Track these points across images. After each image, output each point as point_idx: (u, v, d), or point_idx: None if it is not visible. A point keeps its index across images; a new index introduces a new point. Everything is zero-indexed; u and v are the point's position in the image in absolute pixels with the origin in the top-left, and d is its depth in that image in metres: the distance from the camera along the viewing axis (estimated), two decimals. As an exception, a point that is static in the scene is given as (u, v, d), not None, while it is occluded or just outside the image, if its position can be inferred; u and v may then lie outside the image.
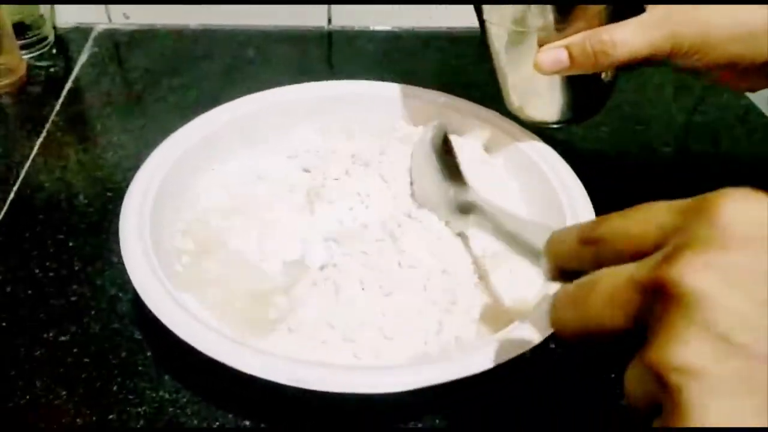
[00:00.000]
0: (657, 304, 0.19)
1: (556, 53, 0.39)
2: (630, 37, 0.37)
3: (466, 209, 0.39)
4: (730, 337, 0.18)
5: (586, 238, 0.24)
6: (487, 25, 0.42)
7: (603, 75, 0.43)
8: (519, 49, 0.42)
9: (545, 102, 0.44)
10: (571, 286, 0.24)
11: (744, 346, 0.18)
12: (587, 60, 0.39)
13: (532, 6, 0.39)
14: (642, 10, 0.38)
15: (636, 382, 0.20)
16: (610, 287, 0.22)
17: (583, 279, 0.23)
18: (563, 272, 0.26)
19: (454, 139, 0.46)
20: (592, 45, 0.38)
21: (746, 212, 0.19)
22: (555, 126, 0.46)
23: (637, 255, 0.22)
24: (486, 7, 0.42)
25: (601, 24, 0.39)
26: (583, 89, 0.44)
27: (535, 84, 0.43)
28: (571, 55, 0.39)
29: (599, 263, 0.23)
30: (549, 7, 0.39)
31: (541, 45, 0.40)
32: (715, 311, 0.18)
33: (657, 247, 0.21)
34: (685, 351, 0.18)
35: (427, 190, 0.42)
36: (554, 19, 0.39)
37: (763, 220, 0.19)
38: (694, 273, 0.18)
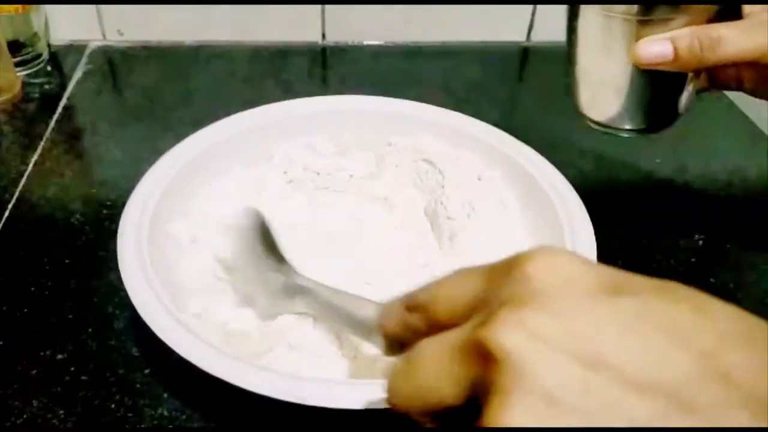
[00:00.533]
0: (484, 368, 0.19)
1: (660, 45, 0.37)
2: (738, 37, 0.36)
3: (291, 292, 0.37)
4: (557, 395, 0.17)
5: (411, 305, 0.24)
6: (579, 8, 0.39)
7: (691, 84, 0.41)
8: (609, 39, 0.39)
9: (621, 104, 0.41)
10: (401, 359, 0.23)
11: (571, 401, 0.17)
12: (692, 56, 0.37)
13: None
14: (740, 16, 0.37)
15: None
16: (435, 355, 0.21)
17: (410, 352, 0.22)
18: (399, 345, 0.25)
19: (448, 156, 0.46)
20: (700, 40, 0.36)
21: (550, 267, 0.20)
22: (623, 134, 0.43)
23: (454, 322, 0.21)
24: None
25: (704, 22, 0.37)
26: (667, 95, 0.41)
27: (615, 82, 0.40)
28: (675, 49, 0.37)
29: (427, 330, 0.23)
30: None
31: (638, 37, 0.38)
32: (536, 372, 0.17)
33: (473, 311, 0.21)
34: (517, 417, 0.17)
35: (250, 281, 0.40)
36: (658, 10, 0.37)
37: (565, 273, 0.19)
38: (508, 333, 0.18)
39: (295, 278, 0.37)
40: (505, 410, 0.17)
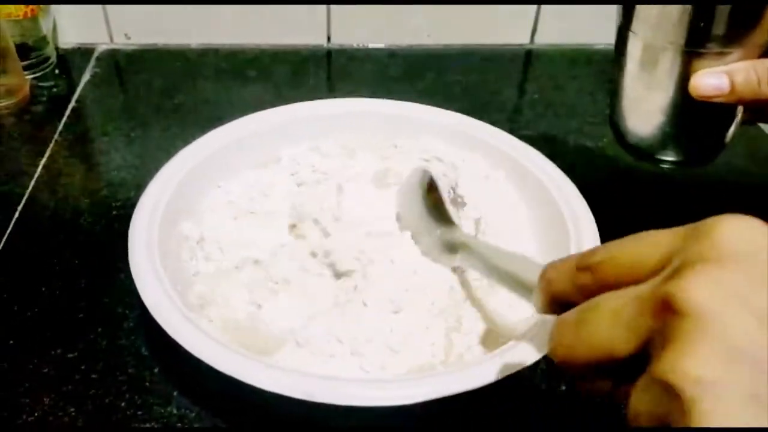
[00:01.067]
0: (665, 320, 0.20)
1: (717, 78, 0.37)
2: None
3: (454, 248, 0.39)
4: (740, 349, 0.18)
5: (584, 265, 0.24)
6: (629, 35, 0.39)
7: (738, 116, 0.40)
8: (658, 69, 0.39)
9: (666, 134, 0.41)
10: (572, 312, 0.24)
11: (753, 358, 0.18)
12: (749, 90, 0.36)
13: (694, 23, 0.36)
14: None
15: (643, 399, 0.20)
16: (615, 307, 0.22)
17: (586, 303, 0.23)
18: (556, 304, 0.26)
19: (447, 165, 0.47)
20: (758, 74, 0.36)
21: (741, 231, 0.20)
22: (665, 165, 0.42)
23: (637, 279, 0.22)
24: (636, 13, 0.38)
25: (756, 56, 0.37)
26: (714, 127, 0.41)
27: (662, 112, 0.40)
28: (732, 83, 0.37)
29: (597, 289, 0.23)
30: (711, 28, 0.36)
31: (690, 69, 0.37)
32: (725, 326, 0.18)
33: (656, 271, 0.21)
34: (698, 363, 0.18)
35: (415, 232, 0.41)
36: (713, 43, 0.36)
37: (755, 238, 0.20)
38: (700, 288, 0.19)
39: (458, 235, 0.38)
40: (686, 357, 0.18)
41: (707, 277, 0.19)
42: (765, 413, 0.18)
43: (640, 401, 0.20)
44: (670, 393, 0.19)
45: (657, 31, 0.38)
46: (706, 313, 0.18)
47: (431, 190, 0.41)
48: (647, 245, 0.22)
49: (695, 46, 0.37)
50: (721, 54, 0.37)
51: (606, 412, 0.39)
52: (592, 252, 0.24)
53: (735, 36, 0.36)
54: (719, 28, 0.36)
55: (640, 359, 0.21)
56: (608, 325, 0.22)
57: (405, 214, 0.42)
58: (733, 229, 0.20)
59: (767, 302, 0.19)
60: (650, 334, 0.20)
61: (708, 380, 0.18)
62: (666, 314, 0.19)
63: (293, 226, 0.43)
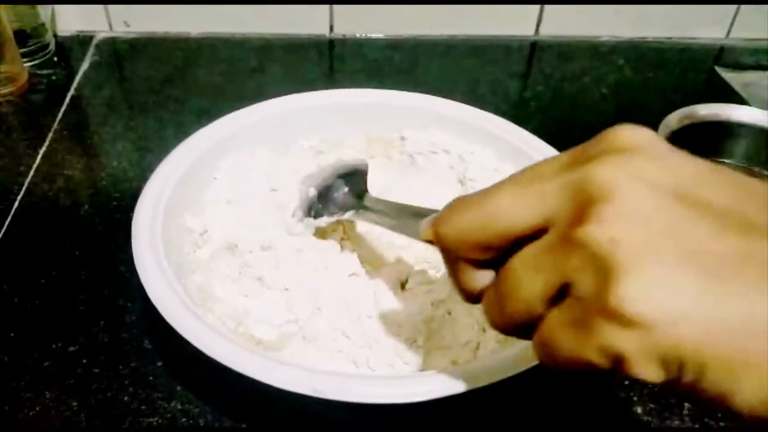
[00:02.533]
0: (576, 200, 0.20)
1: None
2: None
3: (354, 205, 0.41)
4: (651, 215, 0.19)
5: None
6: None
7: None
8: None
9: None
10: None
11: (660, 220, 0.19)
12: None
13: None
14: None
15: (538, 264, 0.21)
16: (515, 189, 0.22)
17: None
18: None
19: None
20: None
21: (634, 131, 0.21)
22: None
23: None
24: None
25: None
26: None
27: None
28: None
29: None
30: None
31: None
32: (634, 195, 0.19)
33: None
34: (615, 227, 0.19)
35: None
36: None
37: (647, 135, 0.21)
38: (608, 169, 0.20)
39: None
40: (604, 223, 0.19)
41: (612, 161, 0.20)
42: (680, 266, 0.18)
43: (534, 263, 0.21)
44: (581, 252, 0.19)
45: None
46: (616, 187, 0.19)
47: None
48: (551, 159, 0.22)
49: None
50: None
51: (610, 411, 0.39)
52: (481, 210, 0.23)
53: None
54: None
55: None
56: (510, 202, 0.22)
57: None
58: (627, 130, 0.21)
59: (666, 178, 0.20)
60: (556, 209, 0.21)
61: (623, 238, 0.19)
62: (577, 191, 0.20)
63: (300, 219, 0.43)
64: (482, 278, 0.24)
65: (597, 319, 0.19)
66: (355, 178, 0.43)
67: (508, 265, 0.22)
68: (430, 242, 0.27)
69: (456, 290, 0.25)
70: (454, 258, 0.24)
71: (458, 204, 0.24)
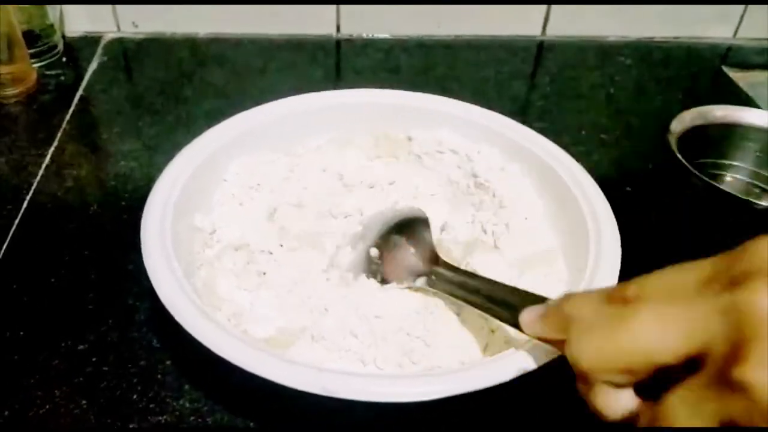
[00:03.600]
0: (732, 326, 0.19)
1: None
2: None
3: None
4: None
5: (619, 297, 0.23)
6: None
7: None
8: None
9: None
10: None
11: None
12: None
13: None
14: None
15: (702, 398, 0.20)
16: (662, 312, 0.21)
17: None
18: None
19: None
20: None
21: None
22: None
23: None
24: None
25: None
26: None
27: None
28: None
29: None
30: None
31: None
32: None
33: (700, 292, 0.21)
34: None
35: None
36: None
37: None
38: (763, 297, 0.19)
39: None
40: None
41: (766, 288, 0.19)
42: None
43: (696, 403, 0.20)
44: (745, 395, 0.18)
45: None
46: None
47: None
48: (684, 271, 0.22)
49: None
50: None
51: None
52: (625, 285, 0.23)
53: None
54: None
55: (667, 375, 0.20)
56: (656, 328, 0.21)
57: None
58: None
59: None
60: (708, 340, 0.20)
61: None
62: (733, 321, 0.19)
63: (306, 218, 0.43)
64: (623, 400, 0.23)
65: None
66: (414, 232, 0.41)
67: (666, 402, 0.21)
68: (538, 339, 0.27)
69: (593, 411, 0.25)
70: (591, 380, 0.24)
71: (591, 327, 0.23)
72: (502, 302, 0.33)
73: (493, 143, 0.48)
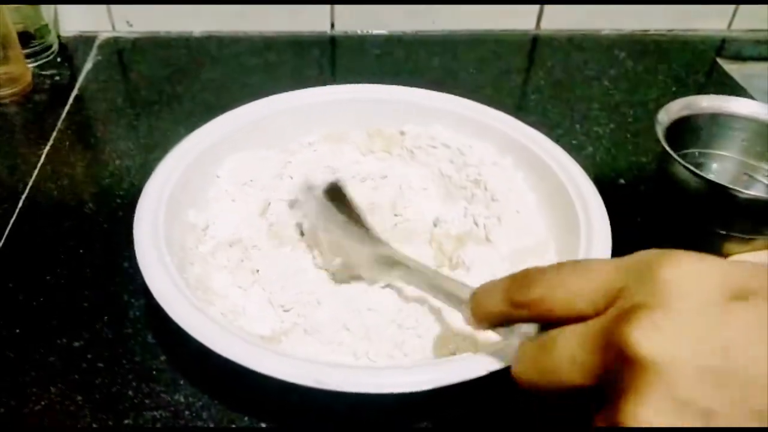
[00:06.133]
0: (618, 364, 0.21)
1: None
2: None
3: (389, 263, 0.37)
4: (689, 400, 0.19)
5: (520, 302, 0.25)
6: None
7: None
8: None
9: None
10: (530, 345, 0.25)
11: (702, 408, 0.19)
12: None
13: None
14: None
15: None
16: (567, 344, 0.23)
17: (540, 339, 0.24)
18: (489, 322, 0.28)
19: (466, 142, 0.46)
20: None
21: (683, 273, 0.21)
22: None
23: (579, 314, 0.23)
24: None
25: None
26: None
27: None
28: None
29: (534, 321, 0.25)
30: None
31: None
32: (674, 377, 0.19)
33: (599, 307, 0.23)
34: (650, 414, 0.20)
35: (344, 249, 0.40)
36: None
37: (695, 280, 0.21)
38: (649, 339, 0.20)
39: (391, 253, 0.37)
40: (641, 407, 0.20)
41: (655, 325, 0.20)
42: None
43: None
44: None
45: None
46: (657, 364, 0.20)
47: (343, 203, 0.38)
48: (587, 280, 0.23)
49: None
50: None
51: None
52: (527, 284, 0.25)
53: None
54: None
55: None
56: (564, 361, 0.23)
57: (313, 228, 0.42)
58: (675, 271, 0.21)
59: (712, 349, 0.19)
60: (603, 372, 0.22)
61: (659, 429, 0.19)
62: (618, 360, 0.21)
63: (299, 213, 0.43)
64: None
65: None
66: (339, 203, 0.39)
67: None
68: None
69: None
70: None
71: (522, 359, 0.25)
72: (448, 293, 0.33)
73: (486, 137, 0.48)
